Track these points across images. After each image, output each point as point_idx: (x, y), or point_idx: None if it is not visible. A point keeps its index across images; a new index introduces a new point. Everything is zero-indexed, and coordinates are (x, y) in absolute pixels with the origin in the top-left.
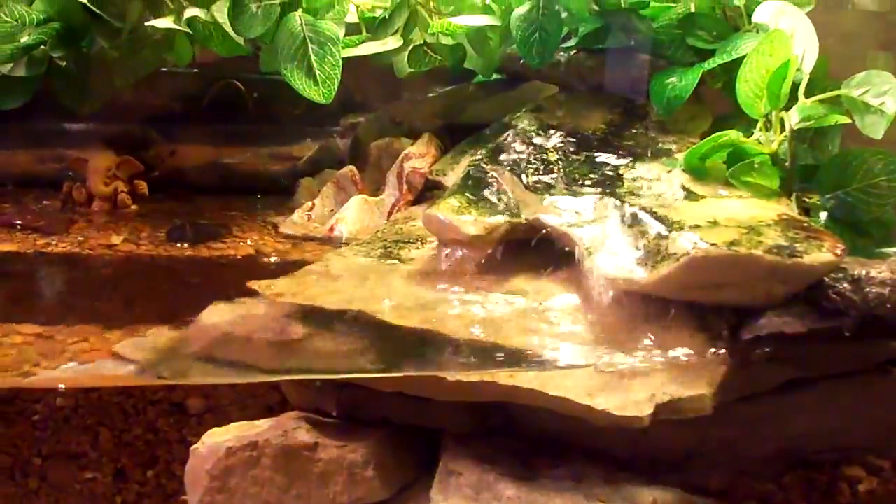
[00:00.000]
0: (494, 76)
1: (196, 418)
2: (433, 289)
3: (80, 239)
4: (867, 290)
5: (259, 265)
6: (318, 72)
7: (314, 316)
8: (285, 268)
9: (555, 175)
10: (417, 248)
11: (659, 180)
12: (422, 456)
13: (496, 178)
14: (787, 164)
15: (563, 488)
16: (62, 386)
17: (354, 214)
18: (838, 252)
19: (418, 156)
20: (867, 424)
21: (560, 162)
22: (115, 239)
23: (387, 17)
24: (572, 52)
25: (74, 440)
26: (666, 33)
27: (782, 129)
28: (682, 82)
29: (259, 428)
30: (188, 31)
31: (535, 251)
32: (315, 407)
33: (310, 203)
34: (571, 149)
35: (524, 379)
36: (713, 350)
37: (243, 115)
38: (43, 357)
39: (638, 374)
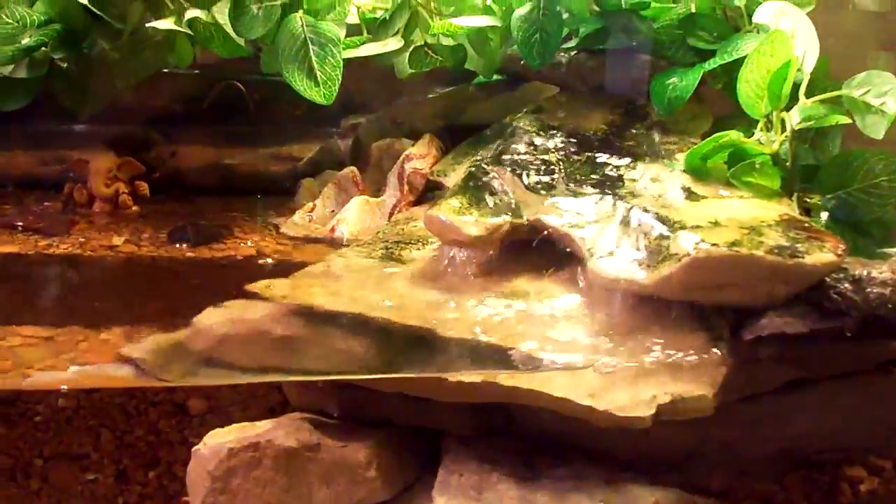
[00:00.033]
0: (495, 77)
1: (198, 419)
2: (434, 290)
3: (82, 240)
4: (868, 290)
5: (260, 266)
6: (318, 73)
7: (315, 317)
8: (286, 269)
9: (556, 176)
10: (419, 249)
11: (660, 181)
12: (423, 456)
13: (497, 178)
14: (788, 164)
15: (565, 489)
16: (64, 387)
17: (355, 215)
18: (839, 252)
19: (419, 157)
20: (868, 424)
21: (561, 162)
22: (117, 240)
23: (388, 18)
24: (573, 53)
25: (76, 441)
26: (667, 34)
27: (783, 129)
28: (683, 83)
29: (261, 429)
30: (189, 32)
31: (536, 252)
32: (317, 408)
33: (311, 204)
34: (572, 149)
35: (525, 380)
36: (715, 350)
37: (244, 116)
38: (44, 359)
39: (639, 374)
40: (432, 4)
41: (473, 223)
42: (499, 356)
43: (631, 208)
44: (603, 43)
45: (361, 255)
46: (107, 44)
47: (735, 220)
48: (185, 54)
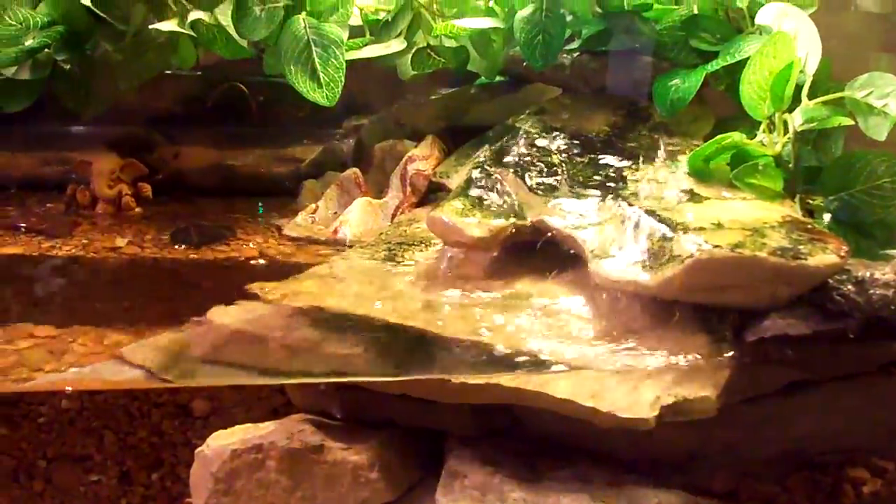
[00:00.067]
0: (497, 78)
1: (201, 421)
2: (437, 291)
3: (85, 241)
4: (871, 291)
5: (263, 267)
6: (321, 74)
7: (318, 318)
8: (289, 270)
9: (559, 177)
10: (421, 250)
11: (663, 182)
12: (426, 458)
13: (500, 180)
14: (790, 166)
15: (569, 490)
16: (69, 388)
17: (358, 217)
18: (842, 254)
19: (422, 158)
20: (871, 426)
21: (564, 164)
22: (120, 241)
23: (390, 19)
24: (576, 55)
25: (79, 443)
26: (669, 35)
27: (786, 131)
28: (686, 84)
29: (264, 430)
30: (192, 34)
31: (539, 253)
32: (320, 409)
33: (313, 205)
34: (575, 151)
35: (528, 381)
36: (718, 352)
37: (247, 117)
38: (48, 360)
39: (643, 376)
40: (435, 6)
41: (476, 225)
42: (501, 357)
43: (634, 210)
44: (605, 44)
45: (364, 257)
46: (110, 45)
47: (738, 221)
48: (188, 56)
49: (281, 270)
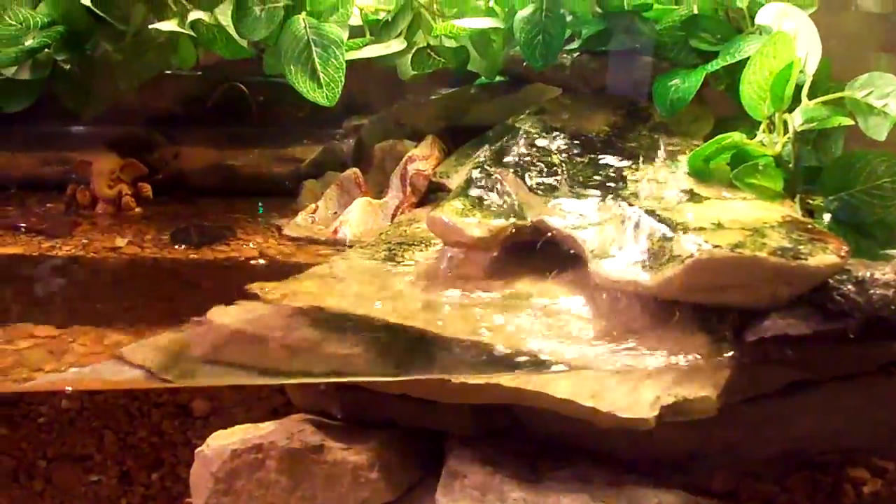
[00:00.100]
0: (497, 78)
1: (201, 421)
2: (437, 291)
3: (85, 241)
4: (871, 291)
5: (263, 267)
6: (321, 74)
7: (318, 318)
8: (289, 270)
9: (559, 177)
10: (421, 250)
11: (662, 182)
12: (427, 458)
13: (500, 180)
14: (790, 166)
15: (569, 490)
16: (69, 388)
17: (358, 217)
18: (842, 254)
19: (422, 158)
20: (871, 426)
21: (564, 164)
22: (120, 241)
23: (390, 19)
24: (575, 55)
25: (80, 443)
26: (669, 35)
27: (786, 131)
28: (686, 84)
29: (264, 430)
30: (192, 34)
31: (539, 253)
32: (320, 409)
33: (313, 205)
34: (575, 151)
35: (528, 381)
36: (718, 352)
37: (247, 117)
38: (48, 360)
39: (643, 375)
40: (435, 6)
41: (476, 225)
42: (502, 358)
43: (634, 210)
44: (605, 44)
45: (364, 257)
46: (110, 45)
47: (738, 221)
48: (188, 56)
49: (281, 270)
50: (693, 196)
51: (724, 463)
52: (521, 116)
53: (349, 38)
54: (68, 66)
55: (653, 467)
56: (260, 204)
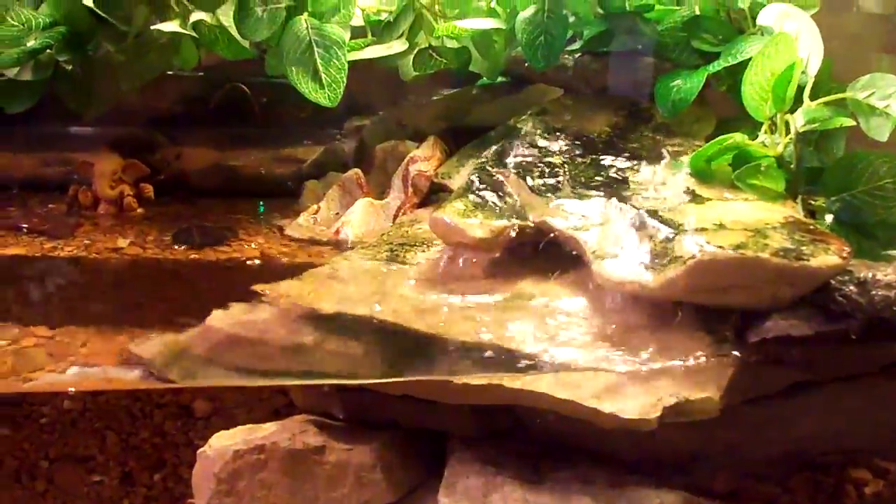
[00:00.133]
0: (499, 79)
1: (203, 421)
2: (439, 292)
3: (87, 242)
4: (873, 292)
5: (265, 268)
6: (323, 75)
7: (319, 319)
8: (291, 271)
9: (560, 178)
10: (423, 251)
11: (664, 183)
12: (429, 459)
13: (502, 181)
14: (792, 166)
15: (571, 491)
16: (71, 389)
17: (360, 218)
18: (844, 255)
19: (423, 159)
20: (873, 427)
21: (566, 165)
22: (122, 242)
23: (392, 20)
24: (577, 56)
25: (82, 443)
26: (671, 36)
27: (787, 131)
28: (687, 85)
29: (266, 431)
30: (194, 34)
31: (541, 254)
32: (322, 410)
33: (315, 206)
34: (577, 152)
35: (530, 382)
36: (720, 352)
37: (249, 118)
38: (50, 361)
39: (645, 376)
40: (437, 7)
41: (478, 226)
42: (504, 358)
43: (636, 211)
44: (607, 45)
45: (366, 258)
46: (112, 46)
47: (740, 222)
48: (190, 57)
49: (283, 271)
50: (695, 197)
51: (725, 464)
52: (523, 117)
53: (351, 38)
54: (70, 67)
55: (654, 468)
56: (261, 204)
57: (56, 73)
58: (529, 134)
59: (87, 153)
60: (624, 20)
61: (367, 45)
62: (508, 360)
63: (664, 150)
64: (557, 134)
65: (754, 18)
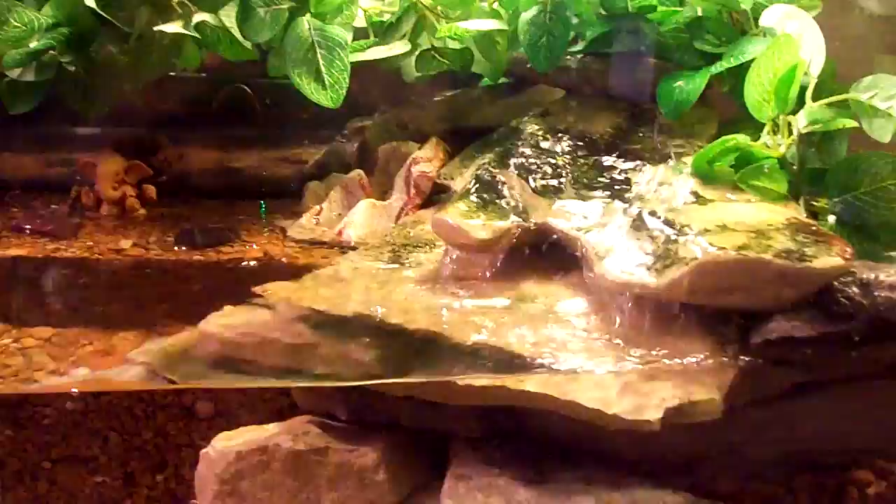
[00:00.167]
0: (501, 80)
1: (205, 422)
2: (442, 293)
3: (90, 243)
4: (876, 293)
5: (268, 269)
6: (326, 76)
7: (322, 320)
8: (294, 272)
9: (563, 179)
10: (426, 252)
11: (667, 184)
12: (432, 459)
13: (504, 182)
14: (795, 167)
15: (574, 491)
16: (74, 390)
17: (362, 218)
18: (847, 256)
19: (426, 160)
20: (876, 428)
21: (568, 166)
22: (125, 243)
23: (394, 21)
24: (579, 57)
25: (84, 444)
26: (673, 37)
27: (790, 132)
28: (690, 86)
29: (269, 432)
30: (196, 35)
31: (544, 255)
32: (325, 411)
33: (318, 207)
34: (579, 153)
35: (534, 383)
36: (723, 354)
37: (251, 119)
38: (53, 361)
39: (648, 378)
40: (439, 8)
41: (481, 227)
42: (507, 359)
43: (638, 212)
44: (609, 46)
45: (369, 259)
46: (114, 47)
47: (743, 223)
48: (193, 57)
49: (285, 272)
50: (698, 198)
51: (728, 465)
52: (526, 118)
53: (353, 39)
54: (73, 68)
55: (657, 469)
56: (262, 204)
57: (59, 74)
58: (532, 135)
59: (89, 154)
60: (626, 21)
61: (370, 46)
62: (511, 361)
63: (667, 151)
64: (560, 135)
65: (756, 19)
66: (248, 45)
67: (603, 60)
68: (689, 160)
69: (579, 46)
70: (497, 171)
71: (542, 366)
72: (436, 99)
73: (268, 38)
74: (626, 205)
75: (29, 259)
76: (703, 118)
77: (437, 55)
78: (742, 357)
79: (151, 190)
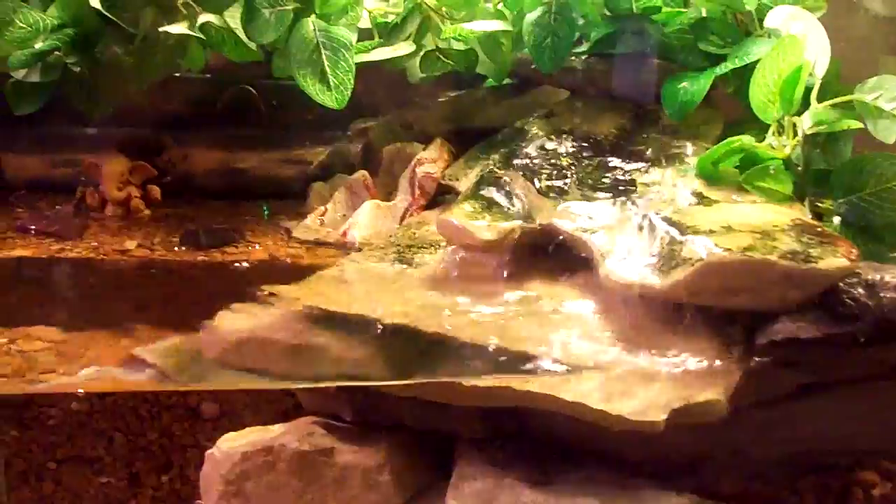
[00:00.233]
0: (506, 81)
1: (210, 423)
2: (447, 294)
3: (95, 244)
4: (882, 294)
5: (273, 270)
6: (331, 77)
7: (327, 321)
8: (298, 273)
9: (568, 180)
10: (431, 253)
11: (672, 185)
12: (437, 460)
13: (509, 183)
14: (800, 168)
15: (578, 492)
16: (80, 391)
17: (367, 219)
18: (853, 257)
19: (430, 160)
20: (881, 429)
21: (573, 167)
22: (129, 244)
23: (399, 22)
24: (584, 58)
25: (89, 445)
26: (678, 38)
27: (795, 134)
28: (694, 87)
29: (274, 433)
30: (201, 36)
31: (549, 256)
32: (330, 412)
33: (322, 208)
34: (584, 153)
35: (539, 384)
36: (728, 355)
37: (256, 120)
38: (58, 362)
39: (653, 378)
40: (444, 9)
41: (486, 227)
42: (512, 360)
43: (643, 213)
44: (614, 47)
45: (373, 260)
46: (119, 48)
47: (748, 224)
48: (198, 58)
49: (290, 273)
50: (702, 199)
51: (733, 466)
52: (530, 119)
53: (358, 40)
54: (78, 69)
55: (662, 470)
56: (265, 206)
57: (64, 75)
58: (537, 136)
59: (94, 155)
60: (631, 22)
61: (375, 47)
62: (516, 362)
63: (671, 152)
64: (564, 136)
65: (761, 20)
66: (252, 46)
67: (607, 61)
68: (693, 161)
69: (584, 47)
70: (502, 171)
71: (546, 367)
72: (440, 100)
73: (273, 39)
74: (631, 205)
75: (34, 260)
76: (707, 119)
77: (441, 56)
78: (747, 358)
79: (156, 191)
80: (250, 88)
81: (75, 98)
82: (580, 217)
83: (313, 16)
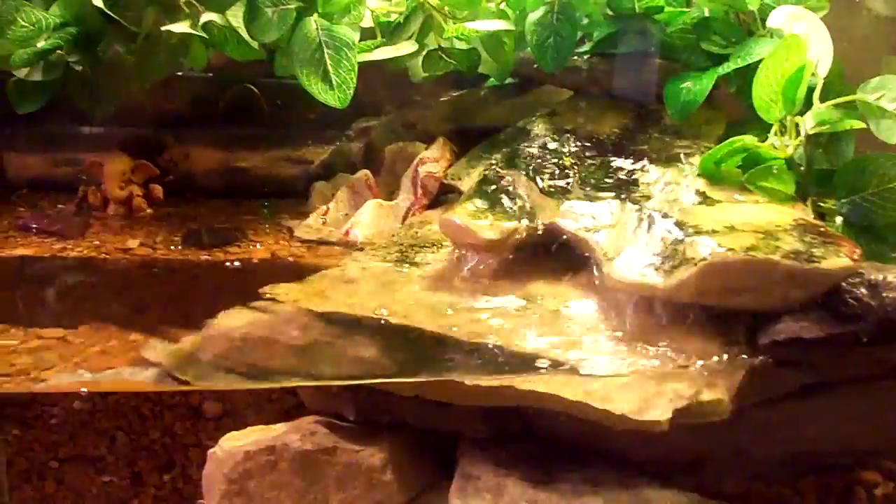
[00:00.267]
0: (508, 80)
1: (213, 422)
2: (450, 293)
3: (97, 243)
4: (884, 294)
5: (275, 269)
6: (333, 76)
7: (330, 320)
8: (301, 272)
9: (570, 179)
10: (433, 252)
11: (674, 185)
12: (439, 460)
13: (512, 182)
14: (802, 168)
15: (582, 492)
16: (83, 390)
17: (369, 219)
18: (855, 257)
19: (433, 160)
20: (883, 429)
21: (575, 166)
22: (132, 243)
23: (402, 21)
24: (586, 57)
25: (91, 444)
26: (680, 38)
27: (797, 133)
28: (697, 87)
29: (277, 432)
30: (204, 35)
31: (552, 255)
32: (332, 411)
33: (324, 207)
34: (587, 153)
35: (542, 383)
36: (731, 354)
37: (257, 119)
38: (61, 361)
39: (656, 378)
40: (446, 8)
41: (489, 227)
42: (515, 360)
43: (646, 213)
44: (616, 47)
45: (376, 259)
46: (121, 47)
47: (750, 224)
48: (200, 57)
49: (292, 272)
50: (705, 199)
51: (735, 465)
52: (533, 119)
53: (360, 39)
54: (80, 68)
55: (664, 469)
56: (265, 205)
57: (66, 74)
58: (539, 135)
59: (96, 154)
60: (633, 22)
61: (377, 47)
62: (519, 361)
63: (674, 152)
64: (567, 135)
65: (764, 20)
66: (255, 44)
67: (610, 61)
68: (696, 161)
69: (586, 47)
70: (505, 171)
71: (550, 366)
72: (442, 99)
73: (275, 38)
74: (634, 205)
75: (36, 258)
76: (710, 119)
77: (444, 55)
78: (750, 358)
79: (158, 190)
80: (252, 87)
81: (77, 97)
82: (583, 216)
83: (316, 15)
